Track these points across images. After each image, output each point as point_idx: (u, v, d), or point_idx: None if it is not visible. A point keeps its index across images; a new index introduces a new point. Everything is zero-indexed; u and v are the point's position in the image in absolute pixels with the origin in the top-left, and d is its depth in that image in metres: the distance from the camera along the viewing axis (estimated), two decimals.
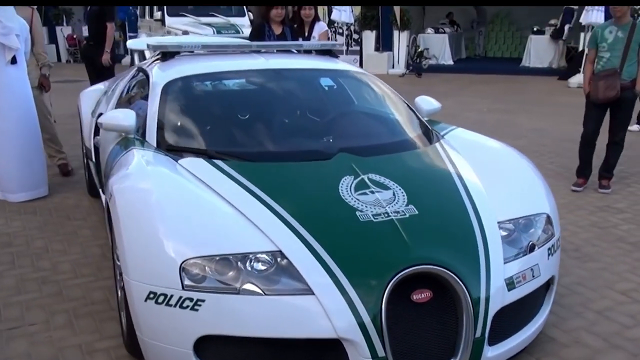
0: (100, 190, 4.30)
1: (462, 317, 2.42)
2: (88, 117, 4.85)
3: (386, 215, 2.59)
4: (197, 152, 3.05)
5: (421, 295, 2.38)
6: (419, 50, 15.74)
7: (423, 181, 2.94)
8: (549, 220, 2.92)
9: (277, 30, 5.91)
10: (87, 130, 4.81)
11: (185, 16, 12.00)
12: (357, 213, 2.59)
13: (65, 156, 5.88)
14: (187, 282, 2.34)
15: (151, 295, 2.39)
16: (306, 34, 6.10)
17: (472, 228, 2.65)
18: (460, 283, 2.41)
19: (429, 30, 17.21)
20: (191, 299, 2.33)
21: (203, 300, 2.33)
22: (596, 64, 5.32)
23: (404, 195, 2.72)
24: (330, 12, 15.81)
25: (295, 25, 6.17)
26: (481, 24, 19.46)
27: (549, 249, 2.85)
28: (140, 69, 4.21)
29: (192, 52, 4.04)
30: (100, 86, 5.25)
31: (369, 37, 15.91)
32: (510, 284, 2.59)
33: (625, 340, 2.99)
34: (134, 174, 2.85)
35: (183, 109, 3.43)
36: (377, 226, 2.55)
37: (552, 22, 16.15)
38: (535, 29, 16.34)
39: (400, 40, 15.76)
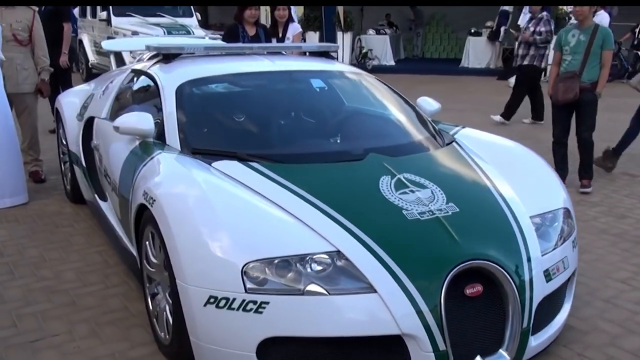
0: (95, 196, 4.19)
1: (510, 309, 2.53)
2: (73, 121, 4.70)
3: (431, 213, 2.67)
4: (224, 155, 3.02)
5: (473, 290, 2.47)
6: (364, 51, 15.97)
7: (454, 179, 3.03)
8: (568, 214, 3.08)
9: (251, 31, 5.91)
10: (72, 135, 4.67)
11: (132, 16, 11.72)
12: (404, 212, 2.65)
13: (41, 164, 5.67)
14: (249, 285, 2.34)
15: (211, 300, 2.38)
16: (280, 34, 6.11)
17: (509, 223, 2.76)
18: (508, 276, 2.51)
19: (370, 31, 17.48)
20: (255, 302, 2.34)
21: (267, 303, 2.33)
22: (560, 67, 5.57)
23: (441, 194, 2.80)
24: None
25: (269, 26, 6.18)
26: (419, 26, 19.92)
27: (573, 241, 3.00)
28: (138, 71, 4.12)
29: (193, 53, 3.99)
30: (84, 88, 5.09)
31: (313, 38, 16.02)
32: (548, 276, 2.72)
33: (638, 325, 3.18)
34: (176, 179, 2.80)
35: (203, 111, 3.40)
36: (425, 224, 2.62)
37: (489, 24, 16.71)
38: (472, 30, 16.85)
39: (344, 41, 15.94)
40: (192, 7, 12.77)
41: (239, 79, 3.66)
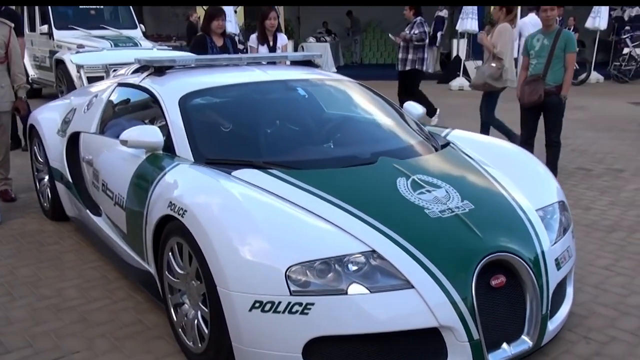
0: (87, 212, 4.13)
1: (528, 297, 2.70)
2: (53, 137, 4.62)
3: (450, 211, 2.81)
4: (239, 164, 3.08)
5: (498, 280, 2.63)
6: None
7: (463, 178, 3.18)
8: (564, 206, 3.29)
9: (219, 42, 5.99)
10: (54, 151, 4.58)
11: (74, 29, 11.47)
12: (426, 211, 2.79)
13: (10, 182, 5.51)
14: (293, 287, 2.42)
15: (256, 305, 2.44)
16: (271, 43, 6.24)
17: (520, 217, 2.94)
18: (527, 266, 2.69)
19: (311, 39, 17.69)
20: (300, 304, 2.41)
21: (312, 304, 2.41)
22: (528, 71, 5.87)
23: (455, 192, 2.96)
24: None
25: (255, 35, 6.33)
26: (356, 33, 20.29)
27: (572, 231, 3.22)
28: (127, 84, 4.11)
29: (185, 66, 4.02)
30: (61, 102, 4.99)
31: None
32: (558, 265, 2.91)
33: (630, 307, 3.42)
34: (206, 188, 2.83)
35: (211, 122, 3.44)
36: (447, 221, 2.76)
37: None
38: None
39: (287, 50, 16.04)
40: (135, 18, 12.59)
41: (239, 90, 3.72)
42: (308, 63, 4.45)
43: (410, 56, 8.91)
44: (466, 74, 14.84)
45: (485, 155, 3.54)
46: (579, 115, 10.11)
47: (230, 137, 3.40)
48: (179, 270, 2.89)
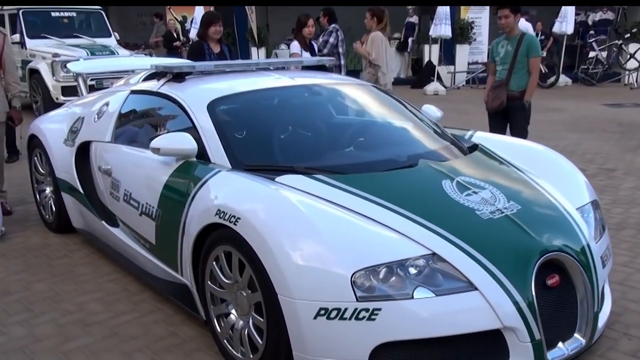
0: (103, 223, 4.00)
1: (580, 296, 2.72)
2: (60, 147, 4.47)
3: (500, 212, 2.81)
4: (280, 170, 3.02)
5: (553, 280, 2.63)
6: None
7: (503, 180, 3.18)
8: (597, 205, 3.33)
9: (216, 48, 5.90)
10: (61, 161, 4.43)
11: (47, 38, 11.20)
12: (477, 212, 2.78)
13: (5, 195, 5.30)
14: (359, 293, 2.38)
15: (322, 312, 2.39)
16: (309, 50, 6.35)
17: (565, 216, 2.96)
18: (578, 265, 2.70)
19: (282, 46, 17.60)
20: (367, 310, 2.37)
21: (379, 309, 2.37)
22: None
23: (500, 194, 2.96)
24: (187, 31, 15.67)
25: (296, 43, 6.43)
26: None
27: (607, 230, 3.26)
28: (142, 91, 4.01)
29: (202, 72, 3.94)
30: (65, 112, 4.82)
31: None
32: (603, 262, 2.94)
33: (630, 303, 3.48)
34: (257, 195, 2.76)
35: (244, 127, 3.37)
36: (499, 222, 2.75)
37: (396, 35, 17.32)
38: None
39: (260, 56, 16.00)
40: (109, 26, 12.38)
41: (267, 94, 3.66)
42: (321, 68, 4.41)
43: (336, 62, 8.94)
44: (439, 79, 15.00)
45: (514, 156, 3.55)
46: (557, 117, 10.31)
47: (265, 142, 3.33)
48: (225, 280, 2.82)
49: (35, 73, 10.66)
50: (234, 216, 2.65)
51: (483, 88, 6.64)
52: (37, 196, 5.00)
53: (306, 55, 6.56)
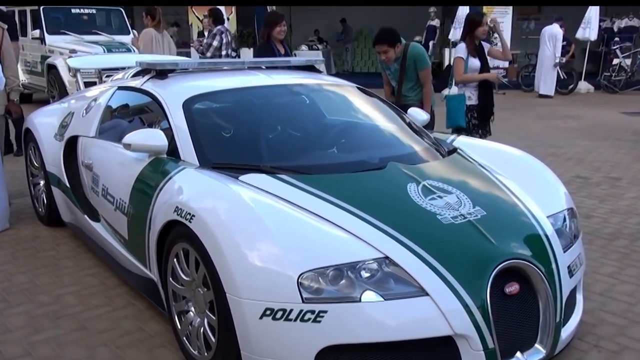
0: (85, 217, 4.05)
1: (542, 305, 2.65)
2: (51, 141, 4.53)
3: (462, 217, 2.76)
4: (246, 169, 3.02)
5: (512, 288, 2.58)
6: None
7: (473, 184, 3.14)
8: (573, 213, 3.25)
9: (281, 48, 5.78)
10: (51, 155, 4.50)
11: (67, 34, 11.37)
12: (438, 217, 2.74)
13: None
14: (306, 295, 2.36)
15: (267, 312, 2.38)
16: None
17: (532, 224, 2.90)
18: (540, 274, 2.64)
19: (303, 47, 17.67)
20: (312, 312, 2.35)
21: (325, 312, 2.35)
22: None
23: (466, 198, 2.91)
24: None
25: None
26: (348, 41, 20.30)
27: (581, 238, 3.18)
28: (127, 87, 4.04)
29: (187, 69, 3.97)
30: (58, 106, 4.90)
31: (248, 54, 16.02)
32: (570, 272, 2.87)
33: (638, 316, 3.39)
34: (214, 193, 2.76)
35: (215, 126, 3.38)
36: (460, 227, 2.71)
37: (417, 38, 17.21)
38: None
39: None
40: (128, 24, 12.52)
41: (243, 94, 3.66)
42: (310, 68, 4.40)
43: None
44: None
45: (493, 161, 3.50)
46: (574, 124, 10.15)
47: (236, 141, 3.34)
48: (185, 277, 2.82)
49: (52, 68, 10.82)
50: (190, 213, 2.65)
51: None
52: (32, 189, 5.07)
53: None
